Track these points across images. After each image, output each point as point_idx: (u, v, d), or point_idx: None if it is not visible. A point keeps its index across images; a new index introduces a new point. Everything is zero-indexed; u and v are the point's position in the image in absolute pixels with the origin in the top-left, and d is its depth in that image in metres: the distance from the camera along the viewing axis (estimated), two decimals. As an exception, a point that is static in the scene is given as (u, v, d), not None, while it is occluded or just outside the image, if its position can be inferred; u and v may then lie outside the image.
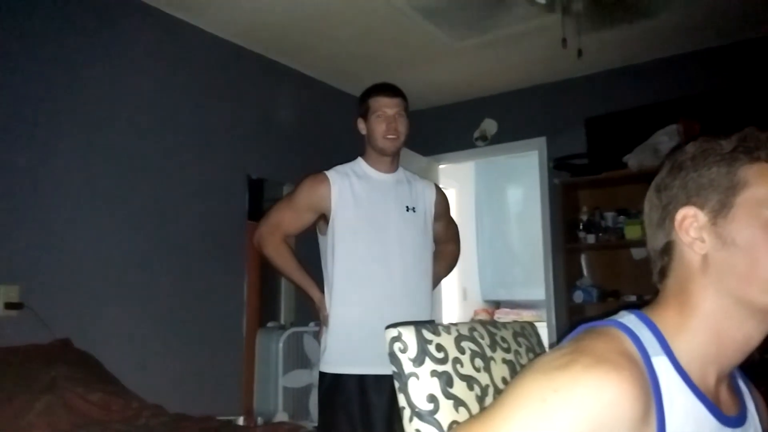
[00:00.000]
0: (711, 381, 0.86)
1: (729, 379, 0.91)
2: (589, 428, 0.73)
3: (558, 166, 4.43)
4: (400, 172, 2.37)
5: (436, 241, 2.42)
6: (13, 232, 2.75)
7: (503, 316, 6.24)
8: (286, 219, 2.26)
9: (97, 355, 2.74)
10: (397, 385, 1.01)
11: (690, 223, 0.86)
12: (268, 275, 4.07)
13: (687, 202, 0.87)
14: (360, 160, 2.35)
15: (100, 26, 3.18)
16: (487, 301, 6.49)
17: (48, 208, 2.88)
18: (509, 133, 4.85)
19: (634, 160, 4.01)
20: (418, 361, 1.01)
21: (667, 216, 0.89)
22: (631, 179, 4.11)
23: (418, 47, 4.05)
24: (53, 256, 2.87)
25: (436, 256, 2.41)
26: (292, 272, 2.27)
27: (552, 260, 4.53)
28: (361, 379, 2.11)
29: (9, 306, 2.67)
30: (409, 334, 1.02)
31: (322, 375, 2.19)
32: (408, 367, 1.00)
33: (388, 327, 1.04)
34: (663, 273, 0.91)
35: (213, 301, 3.54)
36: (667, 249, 0.90)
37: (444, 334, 1.07)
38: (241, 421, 2.84)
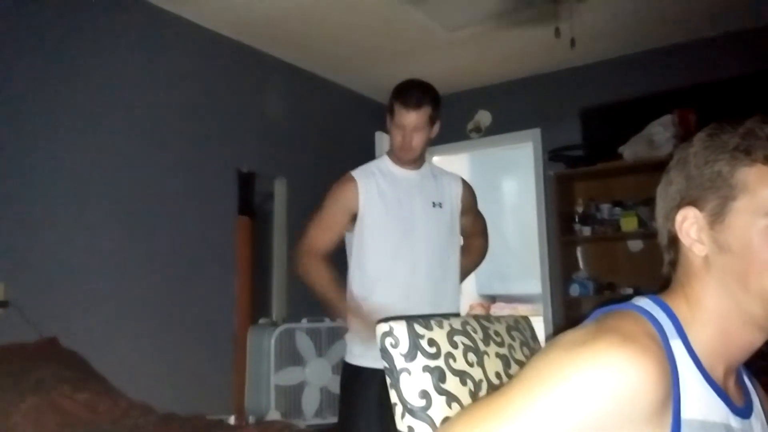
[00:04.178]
0: (720, 373, 0.85)
1: (735, 374, 0.91)
2: (611, 408, 0.71)
3: (553, 157, 4.39)
4: (426, 167, 2.33)
5: (464, 235, 2.41)
6: (-2, 229, 2.70)
7: (499, 310, 6.21)
8: (318, 238, 2.21)
9: (85, 353, 2.70)
10: (389, 381, 0.98)
11: (690, 225, 0.86)
12: (259, 270, 4.03)
13: (688, 202, 0.86)
14: (385, 158, 2.31)
15: (90, 18, 3.13)
16: (482, 295, 6.46)
17: (34, 204, 2.83)
18: (503, 125, 4.81)
19: (629, 151, 3.99)
20: (410, 356, 0.98)
21: (671, 212, 0.88)
22: (627, 170, 4.08)
23: (411, 38, 4.00)
24: (39, 253, 2.82)
25: (464, 250, 2.39)
26: (322, 293, 2.17)
27: (548, 253, 4.50)
28: (383, 373, 2.07)
29: (-6, 304, 2.63)
30: (400, 329, 0.99)
31: (346, 365, 2.20)
32: (400, 362, 0.97)
33: (379, 322, 1.00)
34: (672, 265, 0.90)
35: (203, 298, 3.50)
36: (673, 243, 0.89)
37: (436, 329, 1.03)
38: (231, 420, 2.80)
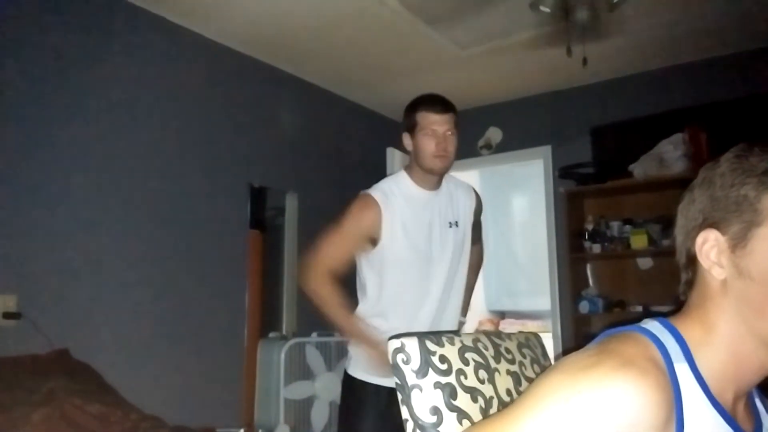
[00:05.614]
0: (729, 396, 0.84)
1: (746, 397, 0.90)
2: (611, 431, 0.72)
3: (563, 175, 4.40)
4: (444, 184, 2.27)
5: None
6: (11, 241, 2.72)
7: (508, 326, 6.19)
8: (333, 257, 2.12)
9: (96, 365, 2.71)
10: (400, 397, 0.99)
11: (711, 247, 0.84)
12: (270, 284, 4.04)
13: (710, 224, 0.85)
14: (404, 175, 2.22)
15: (105, 34, 3.17)
16: (491, 312, 6.44)
17: (47, 217, 2.85)
18: (514, 142, 4.83)
19: (639, 169, 3.98)
20: (422, 372, 0.98)
21: (691, 232, 0.87)
22: (637, 188, 4.08)
23: (423, 55, 4.03)
24: (52, 265, 2.84)
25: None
26: (331, 315, 2.12)
27: (557, 270, 4.49)
28: (387, 391, 2.08)
29: (7, 316, 2.64)
30: (412, 345, 1.00)
31: (349, 377, 2.18)
32: (411, 378, 0.98)
33: (390, 338, 1.01)
34: (689, 284, 0.90)
35: (214, 311, 3.51)
36: (691, 263, 0.88)
37: (448, 345, 1.04)
38: (240, 432, 2.80)
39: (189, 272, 3.41)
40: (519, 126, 4.81)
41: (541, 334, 1.43)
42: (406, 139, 2.19)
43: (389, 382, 2.06)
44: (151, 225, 3.27)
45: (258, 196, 4.09)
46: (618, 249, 4.13)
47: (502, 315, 6.44)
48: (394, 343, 0.99)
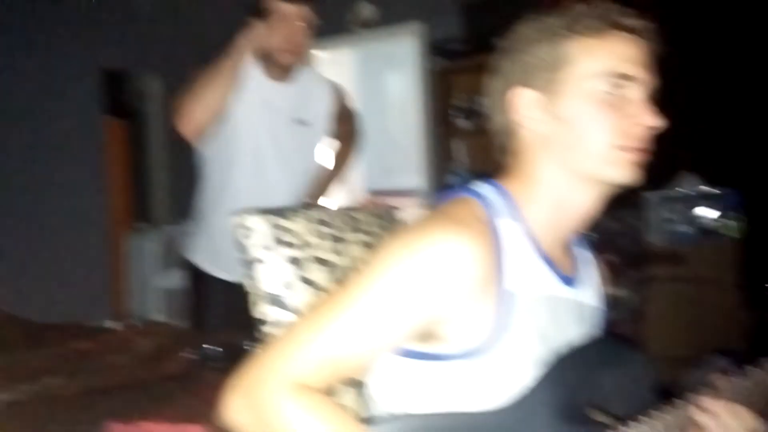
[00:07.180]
0: (554, 246, 0.93)
1: (571, 247, 0.99)
2: (443, 285, 0.80)
3: (435, 51, 4.38)
4: (299, 78, 2.10)
5: (334, 135, 2.29)
6: None
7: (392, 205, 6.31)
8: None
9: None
10: (245, 272, 0.97)
11: (522, 102, 0.90)
12: (138, 172, 3.86)
13: (518, 83, 0.90)
14: (252, 61, 2.01)
15: None
16: (370, 191, 6.54)
17: None
18: (384, 18, 4.70)
19: (508, 44, 4.03)
20: (269, 247, 0.97)
21: (502, 97, 0.92)
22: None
23: None
24: None
25: (337, 138, 2.31)
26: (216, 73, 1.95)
27: (429, 147, 4.57)
28: (227, 284, 1.99)
29: None
30: (256, 221, 0.97)
31: (190, 265, 2.12)
32: (256, 253, 0.96)
33: (234, 214, 0.97)
34: (507, 150, 0.96)
35: (69, 203, 3.32)
36: (507, 128, 0.94)
37: (297, 220, 1.02)
38: (110, 325, 2.73)
39: (37, 161, 3.17)
40: (389, 1, 4.67)
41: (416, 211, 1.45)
42: (253, 23, 1.98)
43: (225, 275, 2.01)
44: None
45: (115, 80, 3.79)
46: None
47: (379, 193, 6.56)
48: (238, 219, 0.96)
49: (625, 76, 0.86)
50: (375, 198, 6.59)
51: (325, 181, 2.33)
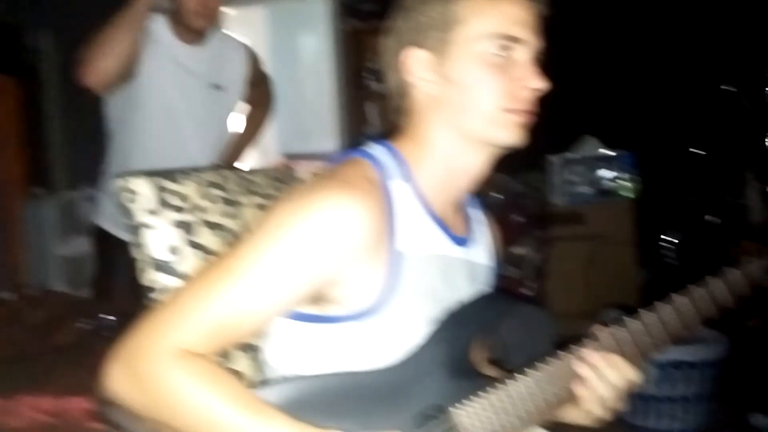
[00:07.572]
0: (445, 206, 0.93)
1: (463, 207, 1.00)
2: (333, 248, 0.80)
3: (347, 12, 4.31)
4: (211, 41, 2.02)
5: (248, 99, 2.24)
6: None
7: (301, 168, 6.26)
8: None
9: None
10: (130, 237, 0.93)
11: (413, 63, 0.89)
12: (34, 134, 3.64)
13: (410, 43, 0.90)
14: (160, 19, 1.91)
15: None
16: (284, 154, 6.45)
17: None
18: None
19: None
20: (155, 211, 0.93)
21: (395, 57, 0.92)
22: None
23: None
24: None
25: (251, 103, 2.25)
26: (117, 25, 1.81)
27: (343, 110, 4.54)
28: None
29: None
30: (141, 183, 0.93)
31: (98, 229, 2.04)
32: (142, 217, 0.92)
33: (116, 176, 0.93)
34: (401, 111, 0.95)
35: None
36: (400, 88, 0.93)
37: (186, 182, 0.99)
38: (4, 296, 2.60)
39: None
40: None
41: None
42: None
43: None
44: None
45: (4, 34, 3.54)
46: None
47: (293, 157, 6.48)
48: (121, 182, 0.92)
49: (513, 38, 0.86)
50: (289, 161, 6.52)
51: (239, 145, 2.29)
